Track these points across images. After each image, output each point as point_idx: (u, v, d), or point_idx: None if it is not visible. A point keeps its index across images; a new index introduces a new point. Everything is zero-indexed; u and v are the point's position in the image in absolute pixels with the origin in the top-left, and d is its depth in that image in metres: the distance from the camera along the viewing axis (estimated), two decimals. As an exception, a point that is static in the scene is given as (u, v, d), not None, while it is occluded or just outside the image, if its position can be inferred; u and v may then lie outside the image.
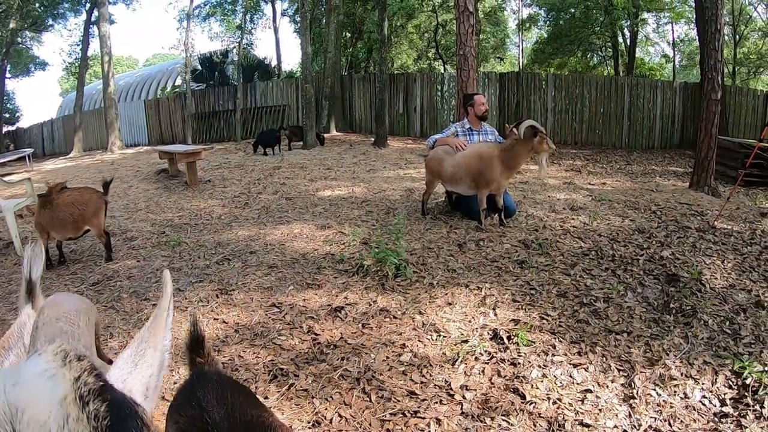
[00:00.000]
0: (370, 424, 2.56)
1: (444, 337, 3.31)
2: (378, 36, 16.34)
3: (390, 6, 18.86)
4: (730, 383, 2.70)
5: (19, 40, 27.76)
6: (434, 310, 3.70)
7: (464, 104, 6.37)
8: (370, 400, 2.74)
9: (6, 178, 7.68)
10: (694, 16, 16.43)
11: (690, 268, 4.14)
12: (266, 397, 2.84)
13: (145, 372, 0.87)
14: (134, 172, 11.79)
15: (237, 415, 1.39)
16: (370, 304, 3.88)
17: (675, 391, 2.66)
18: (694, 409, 2.55)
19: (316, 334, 3.48)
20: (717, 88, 7.89)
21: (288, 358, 3.22)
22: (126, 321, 3.94)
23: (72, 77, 31.61)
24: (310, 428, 2.60)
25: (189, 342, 1.68)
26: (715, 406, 2.57)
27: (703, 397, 2.63)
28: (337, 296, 4.06)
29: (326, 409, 2.70)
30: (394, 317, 3.65)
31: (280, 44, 25.80)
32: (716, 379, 2.74)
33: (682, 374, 2.78)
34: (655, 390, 2.67)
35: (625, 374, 2.82)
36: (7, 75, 28.97)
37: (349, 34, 24.08)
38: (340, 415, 2.65)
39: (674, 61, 25.21)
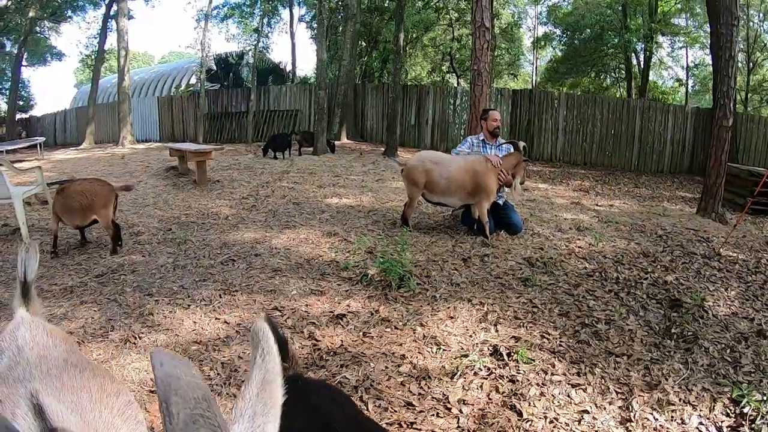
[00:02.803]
0: (366, 433, 2.56)
1: (444, 350, 3.32)
2: (393, 46, 16.44)
3: (407, 18, 18.96)
4: (728, 411, 2.70)
5: (38, 29, 28.07)
6: (436, 323, 3.71)
7: (480, 118, 6.44)
8: (368, 409, 2.75)
9: (17, 165, 7.74)
10: (709, 42, 16.43)
11: (693, 294, 4.14)
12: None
13: None
14: (144, 168, 11.85)
15: (353, 419, 1.39)
16: (372, 314, 3.89)
17: (672, 417, 2.66)
18: (691, 436, 2.55)
19: (317, 340, 3.50)
20: (729, 115, 7.89)
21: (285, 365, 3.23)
22: (128, 315, 3.96)
23: (88, 69, 31.90)
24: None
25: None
26: (712, 433, 2.57)
27: (701, 423, 2.62)
28: (339, 303, 4.08)
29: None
30: (396, 328, 3.67)
31: (295, 49, 25.99)
32: (714, 406, 2.73)
33: (680, 400, 2.78)
34: (652, 414, 2.67)
35: (624, 397, 2.82)
36: (24, 63, 29.23)
37: (364, 43, 24.18)
38: (336, 422, 2.66)
39: (687, 85, 25.23)
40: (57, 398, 1.25)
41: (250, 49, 23.87)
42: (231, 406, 1.50)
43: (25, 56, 28.44)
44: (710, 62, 17.15)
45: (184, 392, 0.58)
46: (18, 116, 30.77)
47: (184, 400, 0.57)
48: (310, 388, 1.49)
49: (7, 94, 29.98)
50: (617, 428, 2.59)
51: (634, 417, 2.65)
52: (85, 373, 1.52)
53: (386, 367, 3.13)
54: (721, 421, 2.63)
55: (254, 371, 0.76)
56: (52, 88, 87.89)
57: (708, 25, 16.85)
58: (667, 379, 2.96)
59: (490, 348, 3.35)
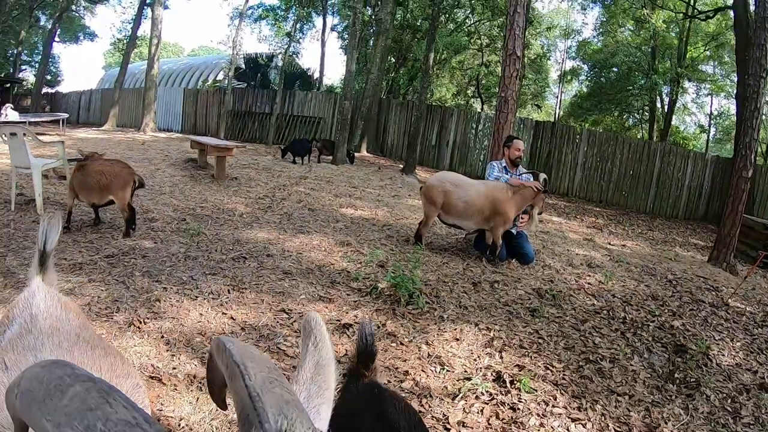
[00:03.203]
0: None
1: (448, 371, 3.33)
2: (422, 65, 16.55)
3: (439, 38, 19.09)
4: (726, 463, 2.69)
5: (74, 7, 28.54)
6: (441, 343, 3.72)
7: (504, 144, 6.46)
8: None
9: (40, 137, 7.84)
10: (735, 91, 16.43)
11: (699, 341, 4.11)
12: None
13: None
14: (163, 156, 11.97)
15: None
16: (379, 327, 3.90)
17: (669, 463, 2.65)
18: (687, 484, 2.54)
19: (322, 347, 3.50)
20: (749, 166, 7.88)
21: (290, 365, 3.25)
22: (134, 299, 3.99)
23: (118, 53, 32.40)
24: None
25: (360, 353, 1.64)
26: (708, 484, 2.55)
27: (697, 472, 2.61)
28: (347, 313, 4.09)
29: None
30: (401, 343, 3.67)
31: (324, 57, 26.22)
32: (712, 456, 2.72)
33: (678, 446, 2.77)
34: (650, 458, 2.66)
35: (622, 437, 2.81)
36: (56, 39, 29.72)
37: (393, 59, 24.35)
38: None
39: (709, 133, 25.19)
40: None
41: (280, 53, 24.13)
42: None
43: (58, 32, 29.00)
44: (734, 112, 17.17)
45: (257, 360, 0.62)
46: (44, 90, 31.23)
47: (259, 365, 0.60)
48: (384, 395, 1.51)
49: (37, 67, 30.43)
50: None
51: (632, 458, 2.64)
52: (97, 351, 1.52)
53: (389, 382, 3.13)
54: (718, 472, 2.62)
55: (307, 357, 0.79)
56: (80, 66, 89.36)
57: (735, 74, 16.93)
58: (666, 423, 2.95)
59: (494, 374, 3.35)
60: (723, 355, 4.01)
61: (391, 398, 1.51)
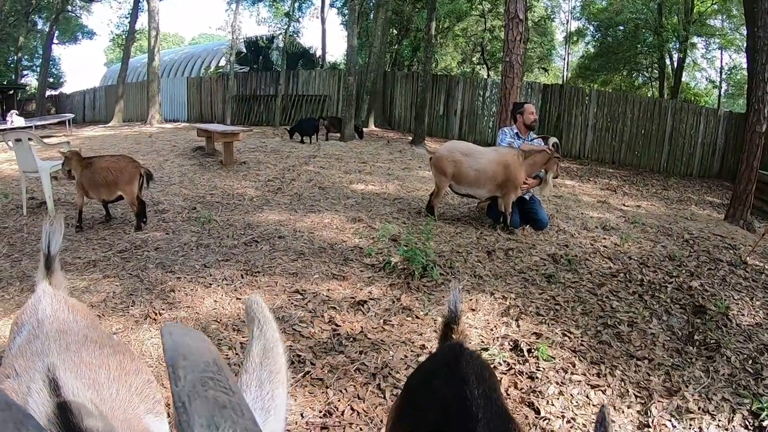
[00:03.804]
0: (381, 421, 2.57)
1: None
2: (425, 35, 16.33)
3: (440, 6, 18.79)
4: (747, 423, 2.66)
5: (69, 8, 28.47)
6: (465, 320, 3.70)
7: (513, 111, 6.35)
8: (384, 397, 2.76)
9: (45, 140, 7.87)
10: (745, 45, 16.05)
11: (718, 301, 4.05)
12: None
13: (280, 416, 0.76)
14: (171, 147, 11.98)
15: (492, 402, 1.42)
16: (394, 301, 3.89)
17: (690, 425, 2.62)
18: (709, 445, 2.51)
19: (337, 325, 3.51)
20: (762, 121, 7.69)
21: (306, 346, 3.25)
22: (149, 291, 4.02)
23: (118, 49, 32.34)
24: (321, 417, 2.63)
25: (448, 316, 1.79)
26: (730, 445, 2.52)
27: (718, 434, 2.58)
28: (361, 290, 4.09)
29: (339, 400, 2.73)
30: (417, 317, 3.66)
31: (326, 35, 25.93)
32: (733, 417, 2.69)
33: (699, 408, 2.74)
34: (670, 421, 2.64)
35: (643, 401, 2.79)
36: (55, 41, 29.73)
37: (395, 31, 24.04)
38: (352, 408, 2.67)
39: (720, 88, 24.69)
40: (74, 374, 1.25)
41: (280, 33, 23.86)
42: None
43: (56, 34, 29.01)
44: (746, 66, 16.78)
45: (193, 356, 0.57)
46: (48, 93, 31.34)
47: (193, 363, 0.55)
48: (464, 355, 1.54)
49: (38, 71, 30.51)
50: (635, 433, 2.56)
51: (652, 423, 2.61)
52: (105, 350, 1.52)
53: (405, 356, 3.13)
54: (740, 433, 2.59)
55: (253, 342, 0.77)
56: (82, 66, 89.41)
57: (745, 27, 16.51)
58: (687, 386, 2.92)
59: (511, 343, 3.33)
60: (742, 314, 3.95)
61: (468, 359, 1.53)
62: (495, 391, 1.49)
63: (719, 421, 2.66)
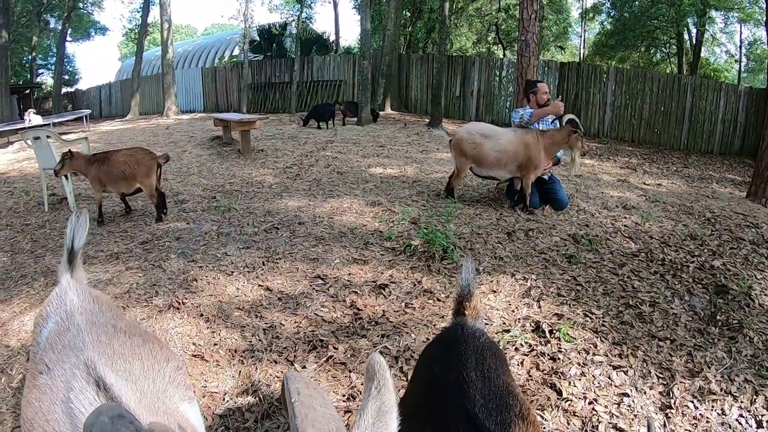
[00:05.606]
0: (405, 403, 2.59)
1: (486, 324, 3.32)
2: (439, 16, 16.17)
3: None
4: (770, 405, 2.64)
5: (80, 5, 28.63)
6: (478, 297, 3.70)
7: (526, 90, 6.28)
8: (407, 380, 2.78)
9: (63, 137, 7.97)
10: (765, 18, 15.68)
11: (740, 281, 3.98)
12: (304, 367, 2.92)
13: None
14: (188, 138, 12.06)
15: (492, 381, 1.44)
16: (415, 284, 3.91)
17: (713, 406, 2.61)
18: (730, 427, 2.50)
19: (359, 309, 3.54)
20: (785, 96, 7.53)
21: (329, 330, 3.29)
22: (172, 281, 4.08)
23: (131, 43, 32.40)
24: (344, 401, 2.67)
25: (459, 292, 1.83)
26: (752, 426, 2.51)
27: (740, 416, 2.57)
28: (382, 273, 4.11)
29: (362, 383, 2.76)
30: (438, 299, 3.68)
31: (338, 19, 25.82)
32: (755, 399, 2.66)
33: (721, 389, 2.72)
34: (692, 402, 2.63)
35: (665, 382, 2.78)
36: (68, 38, 29.93)
37: (408, 13, 23.79)
38: (376, 392, 2.69)
39: (740, 63, 24.14)
40: (110, 367, 1.26)
41: (293, 20, 23.77)
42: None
43: (69, 32, 29.17)
44: (765, 39, 16.40)
45: (320, 425, 0.61)
46: (64, 90, 31.64)
47: (317, 423, 0.60)
48: (464, 335, 1.59)
49: (53, 69, 30.77)
50: (656, 414, 2.56)
51: (674, 404, 2.61)
52: (135, 339, 1.54)
53: (427, 339, 3.15)
54: (762, 415, 2.57)
55: (369, 402, 0.80)
56: (96, 62, 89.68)
57: (764, 0, 16.10)
58: (709, 367, 2.90)
59: (532, 324, 3.34)
60: (765, 294, 3.88)
61: (468, 339, 1.56)
62: (496, 370, 1.49)
63: (741, 402, 2.64)
